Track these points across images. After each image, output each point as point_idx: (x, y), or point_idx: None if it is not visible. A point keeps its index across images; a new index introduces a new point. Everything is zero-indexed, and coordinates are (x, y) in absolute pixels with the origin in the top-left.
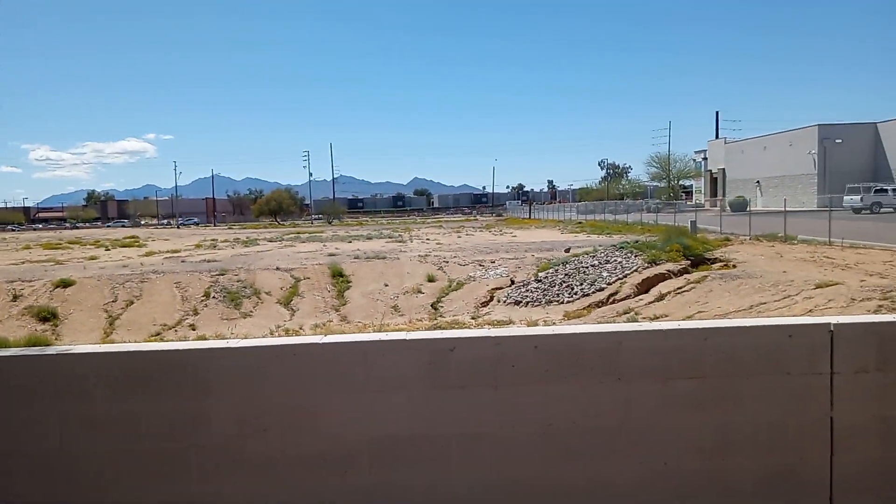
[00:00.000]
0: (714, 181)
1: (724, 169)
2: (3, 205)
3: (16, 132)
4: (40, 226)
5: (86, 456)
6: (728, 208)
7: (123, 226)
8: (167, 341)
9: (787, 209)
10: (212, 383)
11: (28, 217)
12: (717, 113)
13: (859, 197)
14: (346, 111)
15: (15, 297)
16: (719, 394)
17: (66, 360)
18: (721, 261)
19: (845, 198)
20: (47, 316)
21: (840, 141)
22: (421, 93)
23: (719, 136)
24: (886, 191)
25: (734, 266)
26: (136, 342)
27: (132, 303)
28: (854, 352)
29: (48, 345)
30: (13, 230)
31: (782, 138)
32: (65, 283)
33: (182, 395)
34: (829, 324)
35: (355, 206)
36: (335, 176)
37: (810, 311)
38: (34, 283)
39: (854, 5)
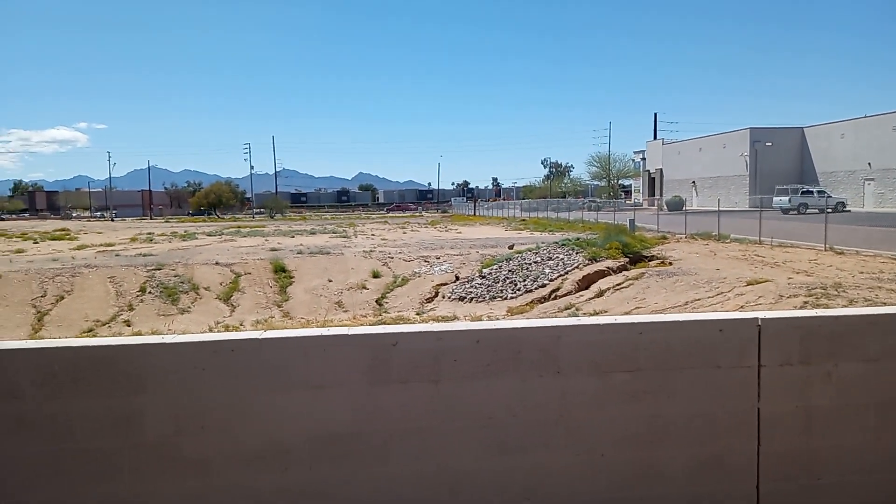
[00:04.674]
0: (652, 181)
1: (661, 169)
2: None
3: None
4: None
5: (13, 457)
6: (665, 207)
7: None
8: (100, 337)
9: (721, 209)
10: (147, 380)
11: None
12: (655, 115)
13: (787, 198)
14: (289, 104)
15: None
16: (653, 386)
17: None
18: (658, 258)
19: (774, 199)
20: None
21: (770, 144)
22: (367, 90)
23: (657, 137)
24: (812, 193)
25: (670, 263)
26: (67, 338)
27: (63, 298)
28: (779, 345)
29: None
30: None
31: (717, 140)
32: None
33: (116, 393)
34: (757, 318)
35: (298, 200)
36: (278, 169)
37: (741, 307)
38: None
39: (782, 20)
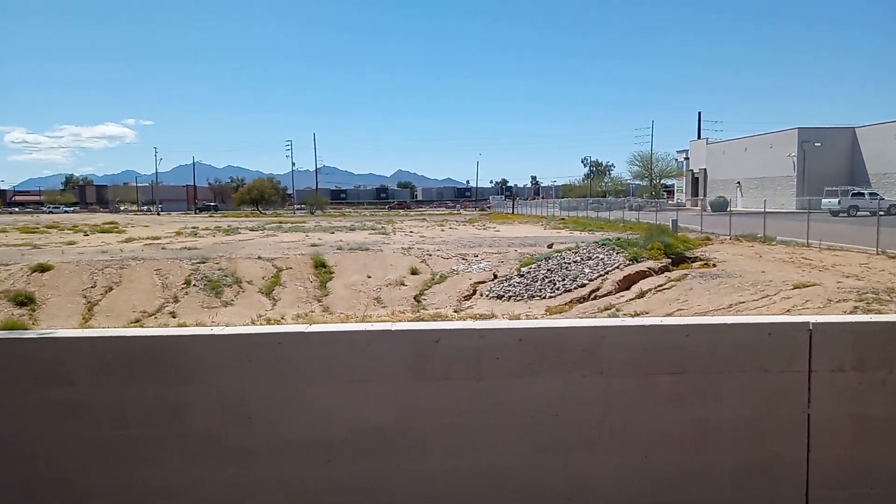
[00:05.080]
0: (695, 181)
1: (705, 169)
2: None
3: None
4: (16, 209)
5: (69, 442)
6: (709, 208)
7: (66, 212)
8: (148, 328)
9: (767, 210)
10: (195, 371)
11: (4, 200)
12: (699, 113)
13: (837, 200)
14: (330, 102)
15: None
16: (699, 389)
17: (47, 343)
18: (701, 260)
19: (823, 200)
20: (24, 301)
21: (819, 144)
22: (407, 87)
23: (701, 137)
24: (863, 194)
25: (714, 265)
26: (116, 328)
27: (111, 289)
28: (831, 351)
29: (26, 329)
30: None
31: (763, 140)
32: (42, 268)
33: (165, 382)
34: (808, 323)
35: (338, 197)
36: (318, 166)
37: (788, 310)
38: (10, 268)
39: (832, 21)
